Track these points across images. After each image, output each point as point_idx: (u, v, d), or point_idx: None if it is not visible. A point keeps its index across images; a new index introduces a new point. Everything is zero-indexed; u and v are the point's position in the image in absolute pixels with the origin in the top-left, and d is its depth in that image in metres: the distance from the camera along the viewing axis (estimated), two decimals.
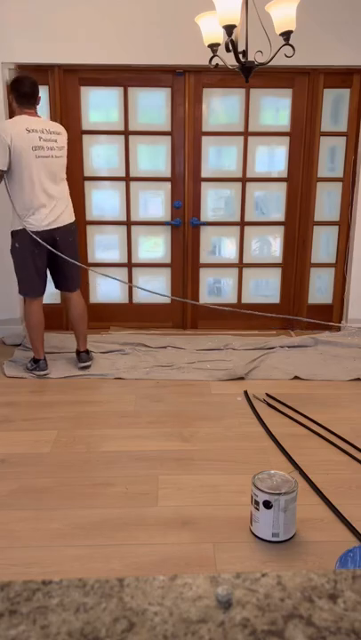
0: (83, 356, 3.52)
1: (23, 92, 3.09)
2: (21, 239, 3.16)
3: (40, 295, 3.34)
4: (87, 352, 3.54)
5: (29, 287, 3.29)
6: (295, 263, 4.25)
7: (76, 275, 3.44)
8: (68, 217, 3.27)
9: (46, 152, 3.09)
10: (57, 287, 3.49)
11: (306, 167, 4.05)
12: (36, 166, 3.06)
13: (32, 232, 3.11)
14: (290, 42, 2.36)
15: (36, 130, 3.05)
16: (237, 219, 4.15)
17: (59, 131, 3.20)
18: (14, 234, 3.19)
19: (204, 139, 3.98)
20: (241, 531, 2.03)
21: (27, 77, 3.14)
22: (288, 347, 3.90)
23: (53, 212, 3.17)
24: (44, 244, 3.12)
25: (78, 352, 3.55)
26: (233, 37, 2.28)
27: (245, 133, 3.98)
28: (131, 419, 2.90)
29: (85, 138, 3.94)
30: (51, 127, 3.15)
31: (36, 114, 3.16)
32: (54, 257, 3.23)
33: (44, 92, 3.81)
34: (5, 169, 3.02)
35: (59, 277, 3.41)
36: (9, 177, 3.08)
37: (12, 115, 3.34)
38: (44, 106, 3.83)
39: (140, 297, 4.28)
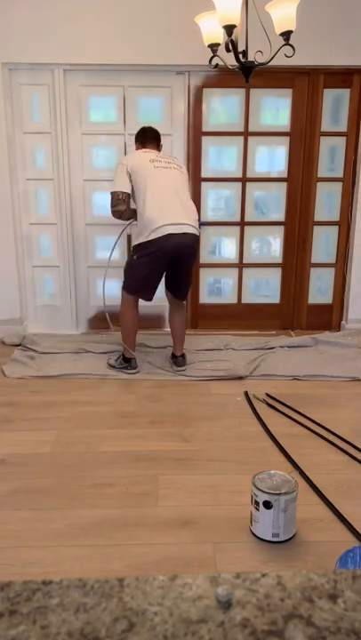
0: (179, 360, 3.55)
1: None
2: None
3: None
4: (183, 356, 3.56)
5: None
6: (295, 263, 4.25)
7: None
8: None
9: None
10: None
11: (306, 167, 4.05)
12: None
13: None
14: (290, 42, 2.36)
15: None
16: (237, 219, 4.15)
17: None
18: None
19: (204, 139, 3.98)
20: (241, 531, 2.02)
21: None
22: (288, 347, 3.90)
23: None
24: None
25: (175, 356, 3.56)
26: (233, 37, 2.28)
27: (245, 133, 3.98)
28: (131, 419, 2.90)
29: (85, 138, 3.94)
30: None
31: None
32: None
33: (44, 92, 3.81)
34: None
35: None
36: None
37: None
38: (44, 106, 3.84)
39: None
